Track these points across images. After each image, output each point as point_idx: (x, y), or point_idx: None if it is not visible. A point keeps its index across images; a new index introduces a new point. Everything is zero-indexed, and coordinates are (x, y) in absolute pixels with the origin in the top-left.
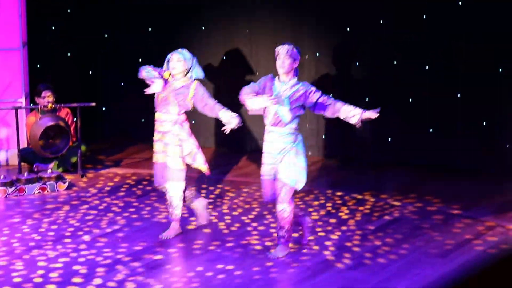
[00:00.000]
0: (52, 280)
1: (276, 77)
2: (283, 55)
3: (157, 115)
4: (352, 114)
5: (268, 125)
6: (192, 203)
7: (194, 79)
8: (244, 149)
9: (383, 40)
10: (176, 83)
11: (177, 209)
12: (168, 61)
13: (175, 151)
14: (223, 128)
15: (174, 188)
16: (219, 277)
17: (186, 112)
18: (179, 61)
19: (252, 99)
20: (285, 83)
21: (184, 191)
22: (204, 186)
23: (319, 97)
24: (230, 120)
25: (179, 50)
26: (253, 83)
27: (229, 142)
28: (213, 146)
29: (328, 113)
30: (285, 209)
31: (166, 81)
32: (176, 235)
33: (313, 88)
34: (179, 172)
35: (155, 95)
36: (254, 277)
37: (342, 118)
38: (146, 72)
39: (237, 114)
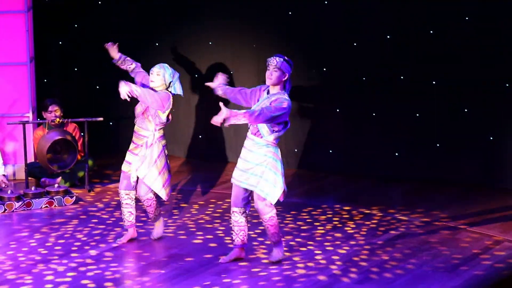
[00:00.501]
0: None
1: (267, 88)
2: (272, 66)
3: (136, 128)
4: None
5: (249, 132)
6: (157, 220)
7: (172, 94)
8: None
9: (390, 55)
10: None
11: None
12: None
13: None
14: None
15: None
16: None
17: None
18: (158, 75)
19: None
20: (271, 96)
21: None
22: (212, 200)
23: (273, 107)
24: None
25: (161, 64)
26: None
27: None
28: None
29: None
30: (270, 217)
31: None
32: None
33: (280, 100)
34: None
35: (136, 107)
36: None
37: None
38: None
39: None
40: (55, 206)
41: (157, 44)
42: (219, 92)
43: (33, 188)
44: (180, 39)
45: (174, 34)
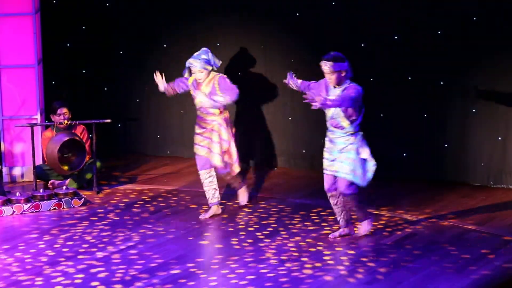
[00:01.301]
0: None
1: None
2: (326, 72)
3: (200, 114)
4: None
5: (328, 125)
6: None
7: (216, 74)
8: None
9: (397, 56)
10: (204, 88)
11: (207, 193)
12: (189, 68)
13: (209, 143)
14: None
15: (204, 176)
16: None
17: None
18: (201, 72)
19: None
20: (336, 89)
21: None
22: (223, 201)
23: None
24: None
25: (192, 59)
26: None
27: None
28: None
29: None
30: (347, 199)
31: (196, 84)
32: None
33: (351, 89)
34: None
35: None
36: None
37: None
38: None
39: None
40: (63, 208)
41: (165, 45)
42: (294, 86)
43: (41, 190)
44: (187, 41)
45: (182, 35)
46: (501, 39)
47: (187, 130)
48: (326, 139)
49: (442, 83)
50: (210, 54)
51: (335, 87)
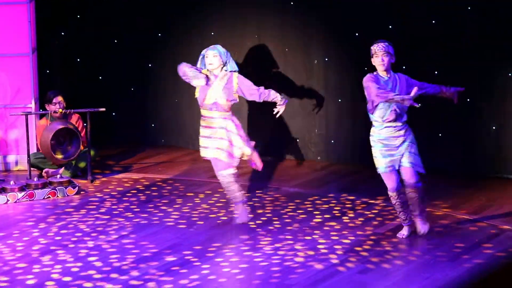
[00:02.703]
0: (64, 284)
1: (376, 74)
2: (381, 52)
3: (204, 112)
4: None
5: (381, 122)
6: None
7: (232, 72)
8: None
9: (392, 45)
10: (219, 81)
11: (232, 193)
12: (203, 57)
13: (224, 144)
14: (275, 112)
15: (223, 176)
16: (223, 281)
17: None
18: (215, 56)
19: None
20: (388, 79)
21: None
22: (219, 190)
23: (416, 82)
24: (281, 101)
25: (213, 46)
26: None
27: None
28: None
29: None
30: (414, 190)
31: (207, 78)
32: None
33: (405, 76)
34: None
35: (199, 94)
36: (266, 281)
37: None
38: (189, 69)
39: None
40: (57, 196)
41: (159, 34)
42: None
43: (35, 179)
44: (182, 29)
45: (176, 23)
46: (496, 28)
47: (181, 119)
48: (380, 138)
49: (436, 72)
50: (229, 54)
51: (382, 77)
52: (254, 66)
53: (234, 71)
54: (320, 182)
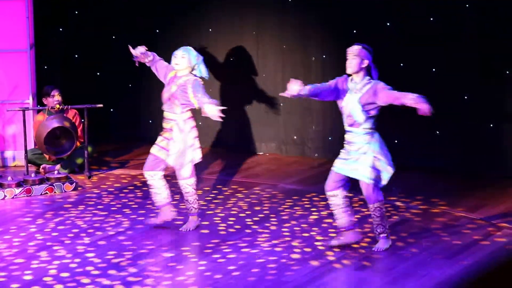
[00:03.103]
0: (61, 280)
1: (349, 78)
2: (351, 55)
3: (164, 113)
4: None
5: (345, 125)
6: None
7: (197, 77)
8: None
9: (389, 42)
10: (179, 80)
11: (192, 203)
12: (173, 56)
13: (179, 148)
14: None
15: (186, 185)
16: (222, 278)
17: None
18: (183, 57)
19: None
20: (357, 83)
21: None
22: (218, 186)
23: (388, 89)
24: (212, 111)
25: (184, 47)
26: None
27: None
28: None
29: (396, 102)
30: (375, 206)
31: (171, 79)
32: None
33: (381, 84)
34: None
35: (163, 93)
36: (262, 278)
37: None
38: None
39: (218, 105)
40: (55, 192)
41: (157, 31)
42: (303, 93)
43: (33, 175)
44: (180, 26)
45: (174, 20)
46: (494, 25)
47: None
48: (344, 142)
49: (433, 70)
50: (201, 59)
51: (352, 79)
52: (252, 64)
53: (200, 77)
54: (318, 179)
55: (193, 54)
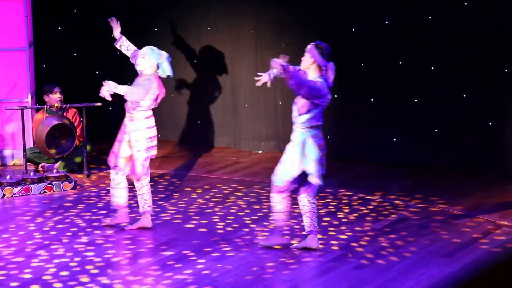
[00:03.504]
0: (60, 279)
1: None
2: (305, 52)
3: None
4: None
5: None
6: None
7: (159, 76)
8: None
9: (388, 41)
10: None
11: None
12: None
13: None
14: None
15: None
16: (221, 277)
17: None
18: (143, 58)
19: None
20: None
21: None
22: (218, 185)
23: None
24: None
25: (147, 47)
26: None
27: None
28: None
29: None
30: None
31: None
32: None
33: (315, 80)
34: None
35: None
36: (260, 277)
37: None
38: None
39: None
40: (54, 191)
41: (156, 29)
42: (275, 73)
43: (32, 174)
44: (179, 24)
45: (173, 18)
46: (492, 23)
47: (178, 114)
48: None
49: (432, 68)
50: (165, 57)
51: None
52: (250, 61)
53: (162, 76)
54: None
55: (153, 53)
